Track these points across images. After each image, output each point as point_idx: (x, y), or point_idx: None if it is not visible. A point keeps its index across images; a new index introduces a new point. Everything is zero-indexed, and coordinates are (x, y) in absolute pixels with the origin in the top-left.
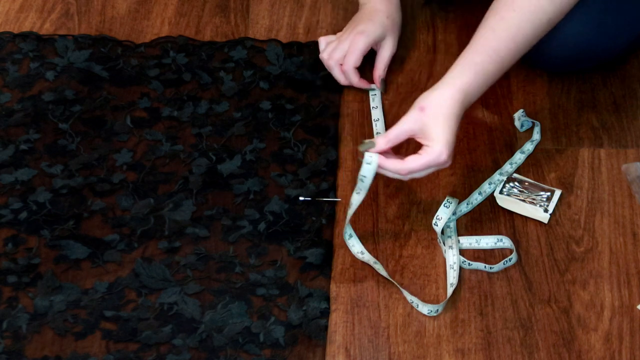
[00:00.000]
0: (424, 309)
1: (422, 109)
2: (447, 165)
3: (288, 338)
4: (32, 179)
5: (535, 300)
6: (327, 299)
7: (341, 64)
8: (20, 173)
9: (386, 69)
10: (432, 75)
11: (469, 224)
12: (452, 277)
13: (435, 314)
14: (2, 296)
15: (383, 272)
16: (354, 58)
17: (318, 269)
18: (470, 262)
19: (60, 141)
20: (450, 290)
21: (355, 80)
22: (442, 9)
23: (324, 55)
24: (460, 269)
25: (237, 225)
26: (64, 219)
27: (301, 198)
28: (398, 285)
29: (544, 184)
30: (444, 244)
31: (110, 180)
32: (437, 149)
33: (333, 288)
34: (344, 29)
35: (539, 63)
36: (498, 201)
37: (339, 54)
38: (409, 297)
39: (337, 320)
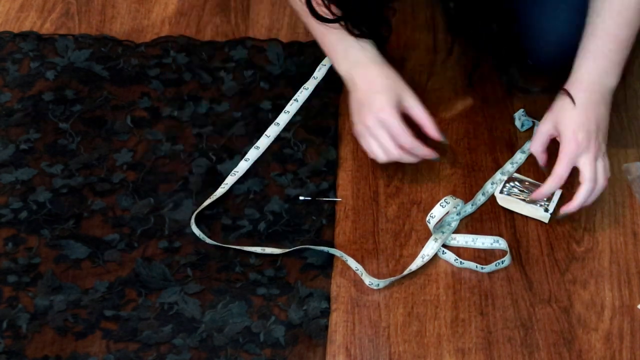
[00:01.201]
0: (367, 279)
1: (551, 109)
2: (591, 150)
3: (288, 338)
4: (32, 178)
5: (536, 300)
6: (328, 298)
7: (400, 147)
8: (21, 173)
9: (433, 122)
10: (432, 75)
11: (469, 223)
12: (414, 265)
13: (376, 287)
14: (2, 296)
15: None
16: (404, 135)
17: (318, 268)
18: (462, 261)
19: (60, 141)
20: (405, 273)
21: (425, 152)
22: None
23: (381, 158)
24: (435, 260)
25: (237, 225)
26: (64, 218)
27: (301, 197)
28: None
29: (544, 183)
30: (434, 237)
31: (110, 180)
32: (567, 135)
33: (333, 288)
34: (355, 119)
35: (539, 63)
36: (499, 201)
37: (387, 142)
38: (354, 265)
39: (338, 320)
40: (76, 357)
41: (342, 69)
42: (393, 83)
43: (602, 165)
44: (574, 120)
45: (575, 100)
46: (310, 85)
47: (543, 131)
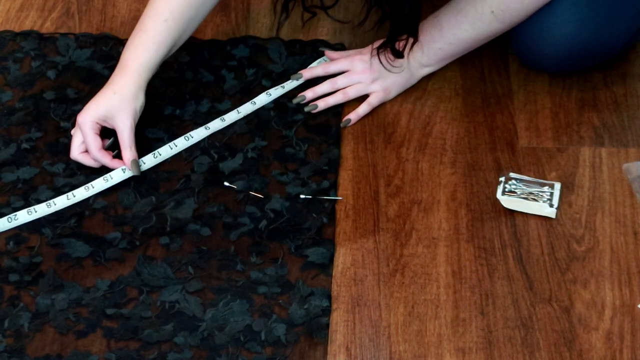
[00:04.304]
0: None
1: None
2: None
3: (289, 336)
4: (34, 177)
5: (536, 300)
6: (329, 297)
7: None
8: (22, 172)
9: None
10: (433, 74)
11: (469, 224)
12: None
13: None
14: (3, 295)
15: None
16: (91, 142)
17: (319, 267)
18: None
19: (62, 140)
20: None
21: (107, 161)
22: None
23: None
24: None
25: (238, 223)
26: (66, 217)
27: (302, 196)
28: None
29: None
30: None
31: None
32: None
33: (334, 287)
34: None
35: (538, 64)
36: (502, 203)
37: (77, 141)
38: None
39: (338, 320)
40: (77, 355)
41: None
42: (118, 100)
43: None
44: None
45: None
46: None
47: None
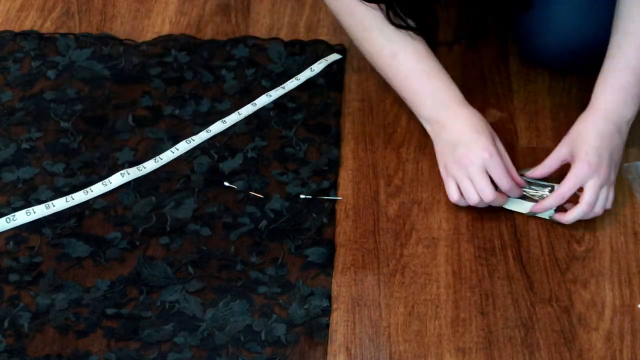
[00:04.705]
0: None
1: (568, 134)
2: (600, 175)
3: (290, 336)
4: (34, 177)
5: (536, 300)
6: (329, 297)
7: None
8: (22, 172)
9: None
10: None
11: (469, 224)
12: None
13: None
14: (4, 295)
15: None
16: (507, 178)
17: (319, 267)
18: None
19: (62, 140)
20: None
21: (516, 192)
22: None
23: (474, 200)
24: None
25: (238, 223)
26: (66, 217)
27: (302, 196)
28: None
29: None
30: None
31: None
32: (581, 156)
33: (334, 287)
34: (443, 166)
35: (540, 61)
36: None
37: (484, 184)
38: None
39: (338, 320)
40: (77, 355)
41: (427, 112)
42: (487, 125)
43: (604, 194)
44: (589, 145)
45: (593, 127)
46: (303, 76)
47: (559, 155)
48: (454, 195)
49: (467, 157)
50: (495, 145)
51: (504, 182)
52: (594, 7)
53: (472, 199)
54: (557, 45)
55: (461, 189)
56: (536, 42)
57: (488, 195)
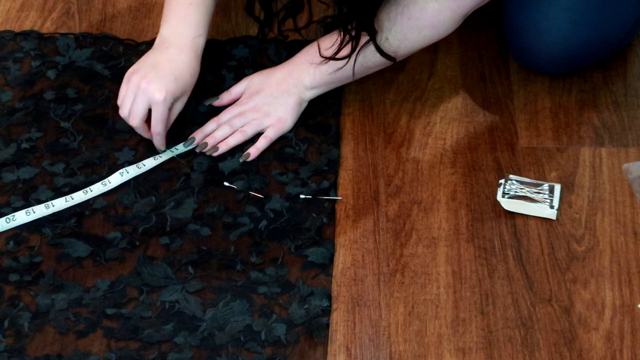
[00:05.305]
0: None
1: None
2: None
3: (290, 336)
4: (34, 177)
5: (536, 300)
6: (329, 296)
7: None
8: (22, 172)
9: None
10: (433, 74)
11: (469, 224)
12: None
13: None
14: (4, 294)
15: None
16: (161, 126)
17: (319, 267)
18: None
19: (62, 140)
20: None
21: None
22: None
23: (124, 114)
24: None
25: (238, 223)
26: (66, 217)
27: (302, 196)
28: None
29: (545, 183)
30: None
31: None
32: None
33: (334, 287)
34: (132, 71)
35: (537, 66)
36: (503, 205)
37: (140, 111)
38: None
39: (338, 320)
40: (78, 355)
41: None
42: (190, 79)
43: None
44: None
45: None
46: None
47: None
48: (122, 103)
49: (149, 82)
50: (176, 96)
51: (156, 127)
52: (582, 15)
53: (123, 112)
54: (549, 54)
55: (124, 98)
56: (528, 52)
57: (136, 118)
